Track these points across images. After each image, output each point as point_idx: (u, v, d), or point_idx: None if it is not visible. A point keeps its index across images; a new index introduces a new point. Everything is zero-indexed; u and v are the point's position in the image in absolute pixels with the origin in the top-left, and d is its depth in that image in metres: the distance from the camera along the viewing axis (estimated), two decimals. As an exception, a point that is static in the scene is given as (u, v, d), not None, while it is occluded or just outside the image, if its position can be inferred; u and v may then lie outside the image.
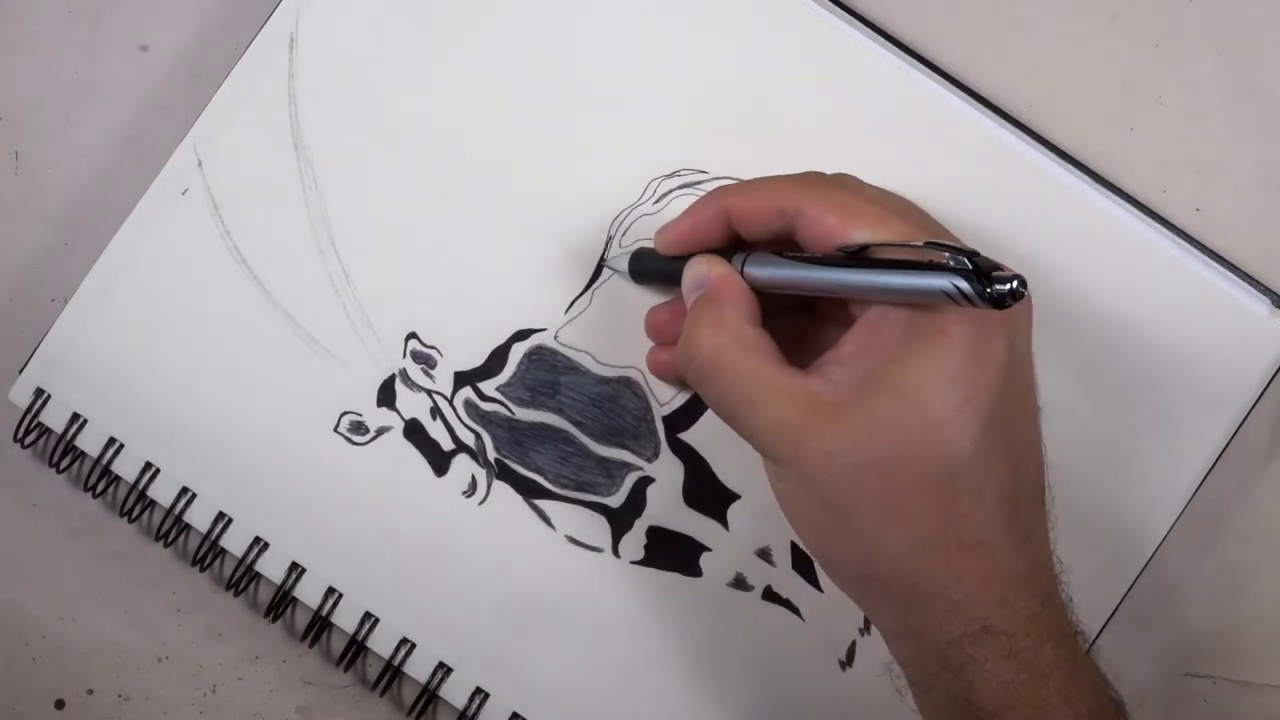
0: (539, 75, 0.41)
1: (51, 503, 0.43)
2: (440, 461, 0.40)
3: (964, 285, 0.28)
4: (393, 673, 0.40)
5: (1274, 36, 0.44)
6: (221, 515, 0.40)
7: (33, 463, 0.42)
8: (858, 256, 0.31)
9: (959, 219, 0.37)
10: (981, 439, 0.30)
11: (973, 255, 0.28)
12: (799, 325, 0.36)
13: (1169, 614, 0.42)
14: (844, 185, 0.34)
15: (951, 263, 0.28)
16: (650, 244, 0.38)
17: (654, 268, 0.38)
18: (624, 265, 0.39)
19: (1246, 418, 0.40)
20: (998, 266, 0.28)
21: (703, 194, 0.37)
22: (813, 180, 0.34)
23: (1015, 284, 0.28)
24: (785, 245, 0.34)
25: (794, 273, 0.33)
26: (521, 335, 0.41)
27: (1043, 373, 0.33)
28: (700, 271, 0.34)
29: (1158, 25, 0.44)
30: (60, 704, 0.42)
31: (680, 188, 0.41)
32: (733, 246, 0.35)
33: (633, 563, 0.40)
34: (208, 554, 0.41)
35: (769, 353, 0.33)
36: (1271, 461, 0.43)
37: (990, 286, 0.28)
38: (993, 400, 0.30)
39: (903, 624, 0.32)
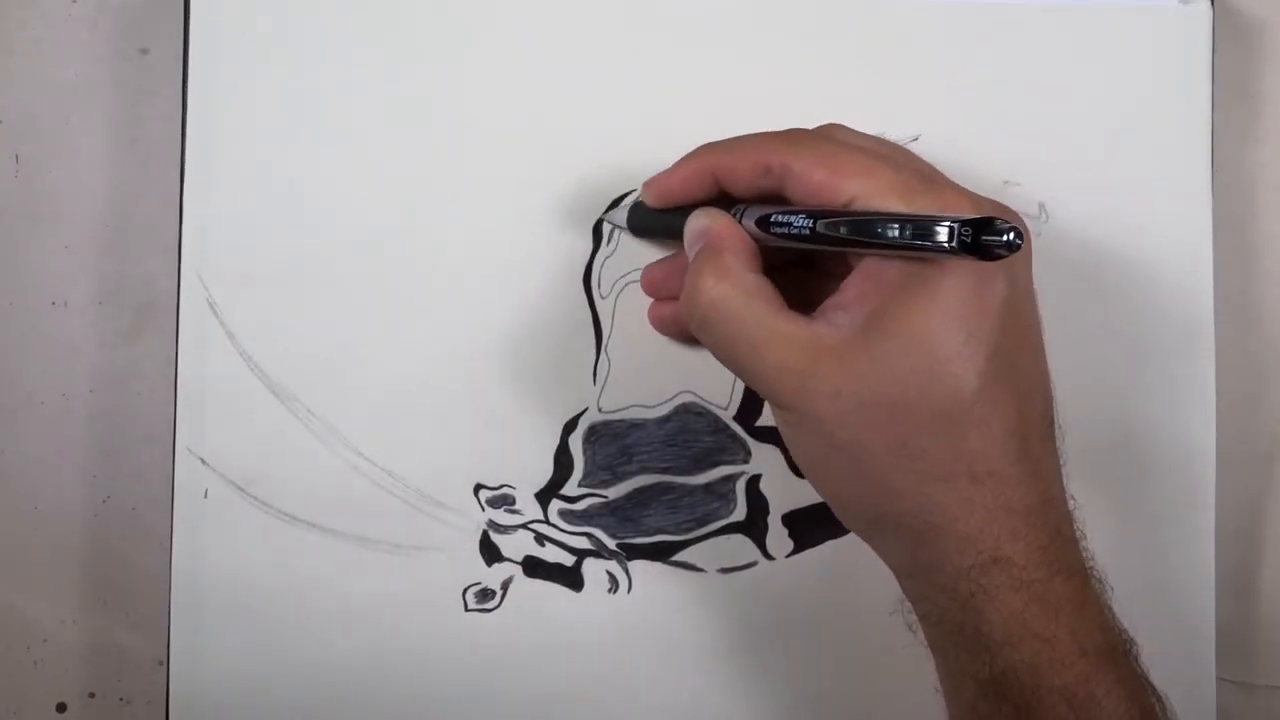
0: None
1: (53, 505, 0.42)
2: (572, 578, 0.40)
3: (955, 243, 0.28)
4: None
5: (1274, 36, 0.44)
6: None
7: (30, 466, 0.42)
8: (849, 211, 0.31)
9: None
10: (986, 373, 0.31)
11: (967, 221, 0.28)
12: (799, 279, 0.36)
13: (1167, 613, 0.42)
14: (829, 138, 0.34)
15: (946, 225, 0.29)
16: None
17: (651, 222, 0.38)
18: (623, 220, 0.39)
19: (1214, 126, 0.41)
20: (990, 221, 0.28)
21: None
22: (797, 136, 0.34)
23: (1009, 236, 0.28)
24: (774, 201, 0.34)
25: (789, 220, 0.32)
26: (570, 426, 0.40)
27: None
28: (701, 224, 0.35)
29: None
30: (62, 707, 0.42)
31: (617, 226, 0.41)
32: (723, 199, 0.35)
33: (789, 556, 0.41)
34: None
35: (771, 299, 0.33)
36: (1272, 462, 0.44)
37: (983, 240, 0.28)
38: (995, 336, 0.31)
39: (914, 560, 0.33)
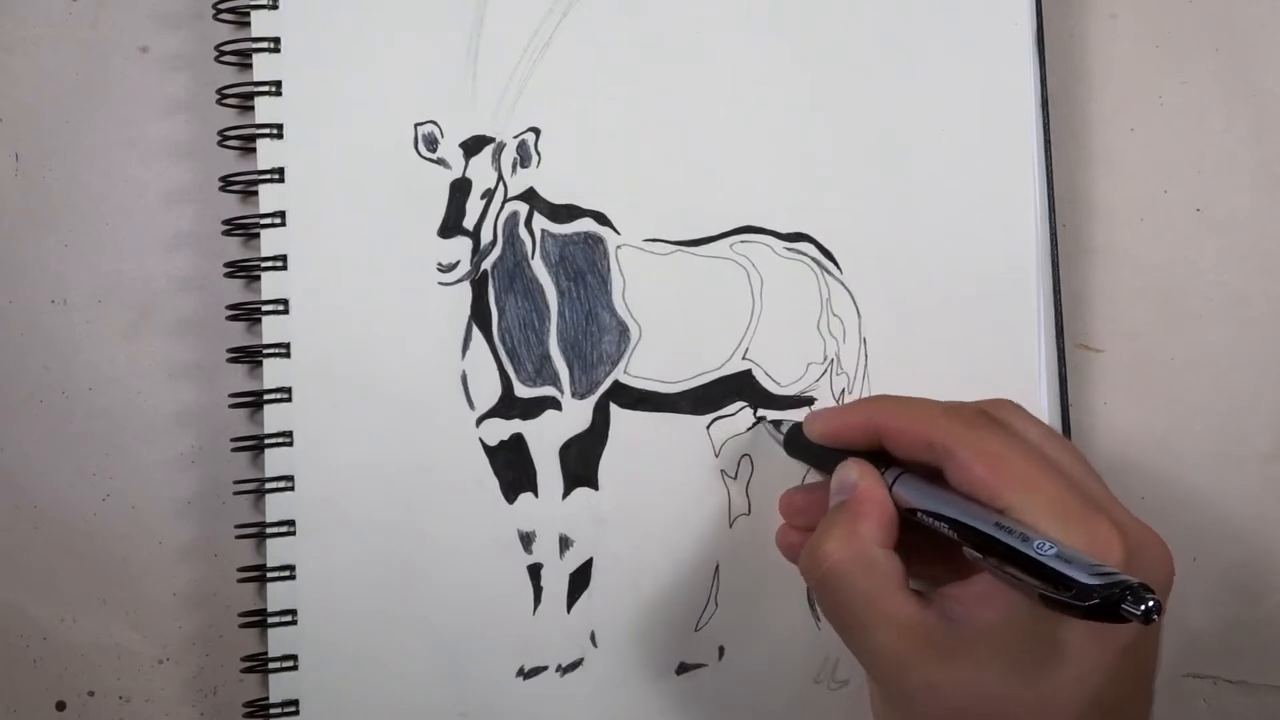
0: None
1: (53, 504, 0.42)
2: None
3: (1087, 608, 0.27)
4: None
5: (1274, 36, 0.44)
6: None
7: (30, 465, 0.42)
8: (994, 536, 0.30)
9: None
10: (1086, 716, 0.30)
11: (1109, 587, 0.27)
12: (940, 539, 0.34)
13: (1169, 614, 0.42)
14: (1000, 429, 0.33)
15: (1084, 578, 0.28)
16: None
17: (806, 449, 0.38)
18: (780, 436, 0.40)
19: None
20: (1133, 590, 0.27)
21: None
22: (967, 418, 0.33)
23: (1147, 607, 0.27)
24: (937, 474, 0.33)
25: (937, 509, 0.32)
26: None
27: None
28: (850, 478, 0.34)
29: (1158, 25, 0.44)
30: (61, 705, 0.42)
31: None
32: (881, 454, 0.35)
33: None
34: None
35: (892, 577, 0.33)
36: (1271, 462, 0.44)
37: (1121, 608, 0.27)
38: (1105, 682, 0.30)
39: None
